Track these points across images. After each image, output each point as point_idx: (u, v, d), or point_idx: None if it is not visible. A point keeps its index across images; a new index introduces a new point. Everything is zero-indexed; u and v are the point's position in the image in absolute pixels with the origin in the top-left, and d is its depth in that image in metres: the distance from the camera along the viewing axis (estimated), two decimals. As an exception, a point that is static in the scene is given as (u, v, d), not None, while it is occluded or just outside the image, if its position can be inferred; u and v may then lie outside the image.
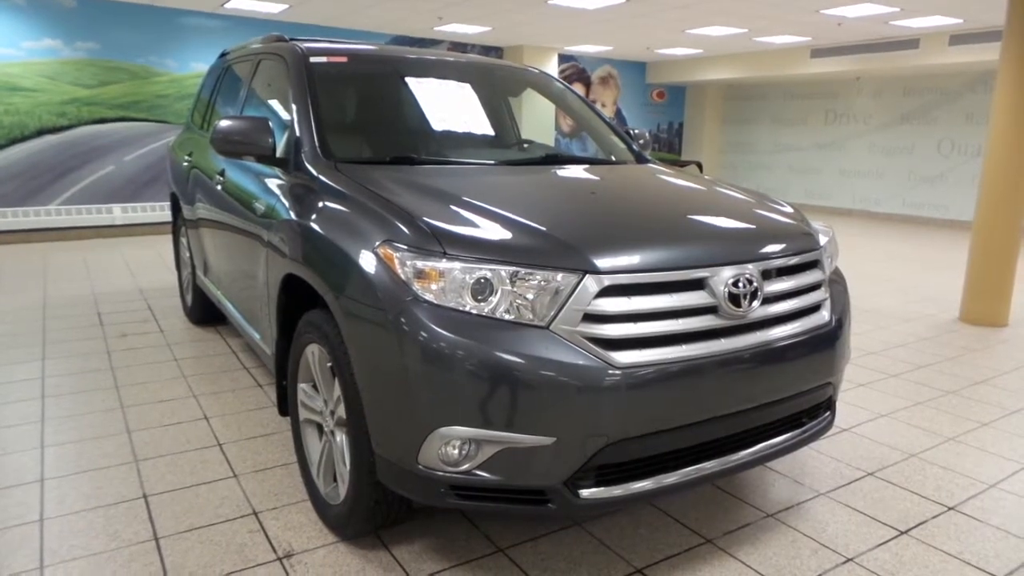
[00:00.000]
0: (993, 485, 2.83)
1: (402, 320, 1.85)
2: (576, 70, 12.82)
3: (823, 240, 2.50)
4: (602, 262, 1.88)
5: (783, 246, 2.23)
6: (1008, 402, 3.73)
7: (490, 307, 1.84)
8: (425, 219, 1.99)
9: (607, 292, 1.87)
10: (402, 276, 1.88)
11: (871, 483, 2.83)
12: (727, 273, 2.01)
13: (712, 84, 14.05)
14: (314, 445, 2.48)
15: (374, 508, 2.14)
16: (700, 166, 14.29)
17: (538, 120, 11.21)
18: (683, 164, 14.37)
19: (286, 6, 8.10)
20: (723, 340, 2.01)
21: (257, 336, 3.06)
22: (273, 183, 2.77)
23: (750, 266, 2.08)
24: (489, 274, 1.85)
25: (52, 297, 5.51)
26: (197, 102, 4.76)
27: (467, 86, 3.35)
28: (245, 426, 3.21)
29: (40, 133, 7.82)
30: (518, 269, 1.86)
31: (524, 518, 2.47)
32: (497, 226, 2.00)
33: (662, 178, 2.87)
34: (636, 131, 3.72)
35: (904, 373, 4.17)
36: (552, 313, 1.84)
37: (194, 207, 4.11)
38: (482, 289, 1.85)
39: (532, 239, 1.95)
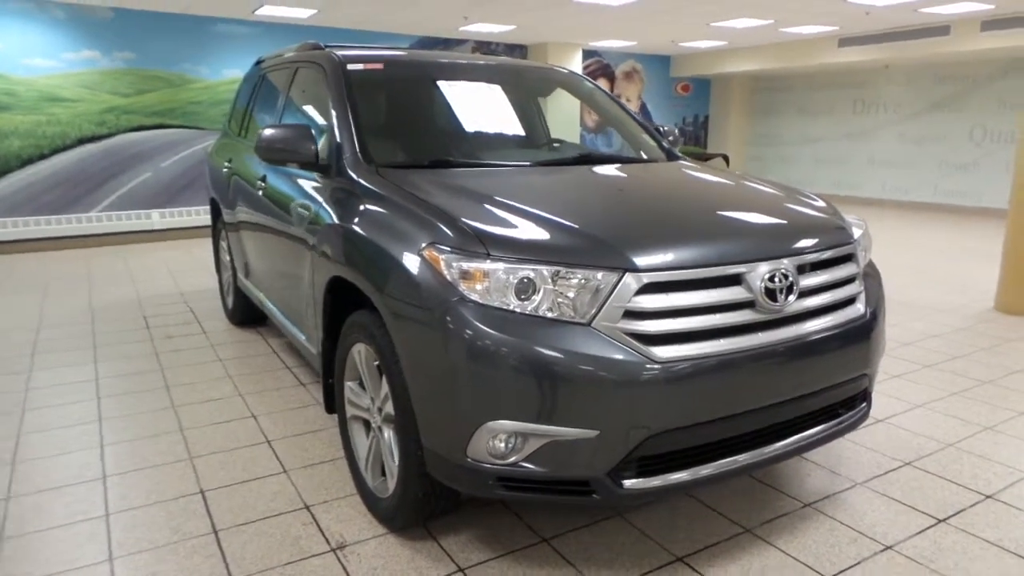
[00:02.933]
0: (1032, 474, 2.84)
1: (449, 319, 1.93)
2: (600, 65, 12.82)
3: (857, 233, 2.53)
4: (641, 260, 1.94)
5: (817, 240, 2.26)
6: (1047, 392, 3.71)
7: (533, 305, 1.91)
8: (467, 221, 2.07)
9: (646, 289, 1.93)
10: (448, 277, 1.96)
11: (908, 473, 2.85)
12: (763, 268, 2.06)
13: (737, 76, 13.94)
14: (361, 441, 2.58)
15: (423, 500, 2.23)
16: (727, 159, 14.21)
17: (564, 117, 11.27)
18: (709, 157, 14.29)
19: (315, 11, 8.24)
20: (760, 334, 2.06)
21: (303, 336, 3.17)
22: (316, 188, 2.87)
23: (785, 261, 2.13)
24: (532, 274, 1.92)
25: (98, 301, 5.71)
26: (234, 110, 4.90)
27: (499, 88, 3.43)
28: (291, 423, 3.32)
29: (80, 142, 8.07)
30: (559, 268, 1.93)
31: (567, 508, 2.54)
32: (537, 227, 2.07)
33: (694, 175, 2.92)
34: (665, 128, 3.76)
35: (939, 363, 4.16)
36: (593, 310, 1.91)
37: (235, 212, 4.24)
38: (525, 288, 1.92)
39: (572, 239, 2.01)
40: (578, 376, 1.85)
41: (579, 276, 1.92)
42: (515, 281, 1.92)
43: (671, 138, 3.72)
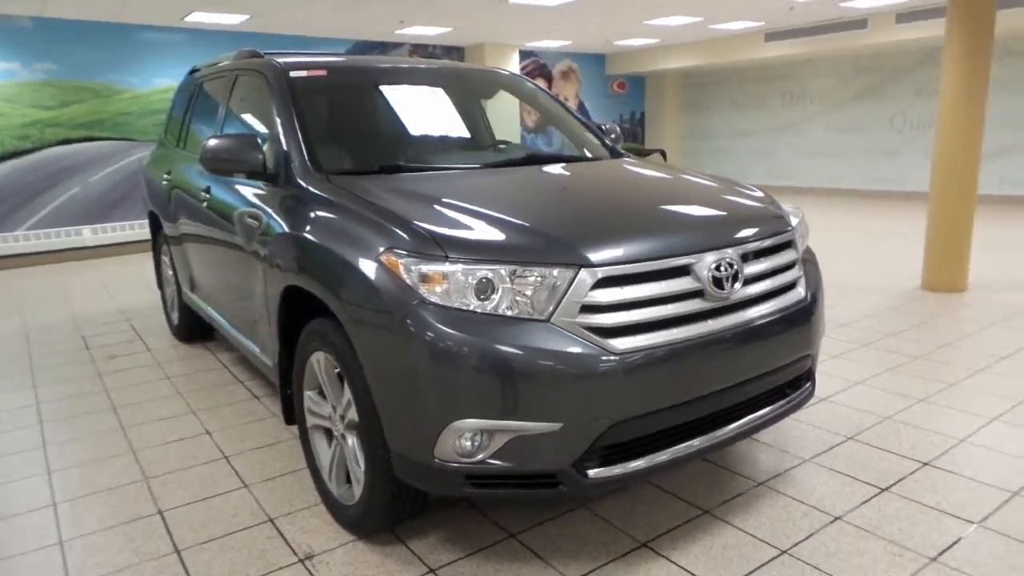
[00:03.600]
0: (963, 440, 3.03)
1: (410, 322, 1.95)
2: (537, 65, 12.95)
3: (794, 221, 2.66)
4: (595, 256, 2.00)
5: (758, 229, 2.37)
6: (972, 362, 3.96)
7: (493, 305, 1.95)
8: (423, 225, 2.09)
9: (601, 284, 1.99)
10: (407, 281, 1.98)
11: (851, 447, 3.00)
12: (710, 258, 2.15)
13: (670, 72, 14.29)
14: (324, 450, 2.57)
15: (391, 504, 2.24)
16: (664, 154, 14.52)
17: (505, 118, 11.33)
18: (647, 153, 14.58)
19: (247, 17, 8.07)
20: (710, 321, 2.15)
21: (256, 348, 3.13)
22: (264, 198, 2.84)
23: (730, 250, 2.22)
24: (490, 274, 1.96)
25: (32, 324, 5.47)
26: (170, 120, 4.77)
27: (443, 91, 3.45)
28: (248, 438, 3.27)
29: (3, 158, 7.69)
30: (517, 267, 1.97)
31: (533, 503, 2.59)
32: (492, 227, 2.11)
33: (638, 171, 3.01)
34: (607, 126, 3.85)
35: (874, 342, 4.38)
36: (551, 307, 1.96)
37: (177, 225, 4.14)
38: (484, 288, 1.96)
39: (527, 238, 2.06)
40: (540, 371, 1.90)
41: (536, 274, 1.96)
42: (474, 282, 1.96)
43: (613, 136, 3.80)
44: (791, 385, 2.51)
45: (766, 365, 2.31)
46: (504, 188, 2.56)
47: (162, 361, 4.44)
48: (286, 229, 2.58)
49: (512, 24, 9.41)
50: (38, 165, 7.96)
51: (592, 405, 1.94)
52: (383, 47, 10.60)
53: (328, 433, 2.54)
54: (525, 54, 12.60)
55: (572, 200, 2.48)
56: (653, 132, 15.06)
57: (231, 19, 8.16)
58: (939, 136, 5.47)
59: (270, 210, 2.76)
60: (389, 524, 2.37)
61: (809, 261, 2.70)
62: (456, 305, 1.95)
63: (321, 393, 2.50)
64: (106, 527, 2.56)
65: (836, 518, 2.47)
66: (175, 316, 4.80)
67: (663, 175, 2.93)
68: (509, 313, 1.95)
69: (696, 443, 2.18)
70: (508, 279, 1.96)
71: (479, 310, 1.95)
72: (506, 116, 11.34)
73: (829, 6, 8.85)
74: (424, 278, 1.97)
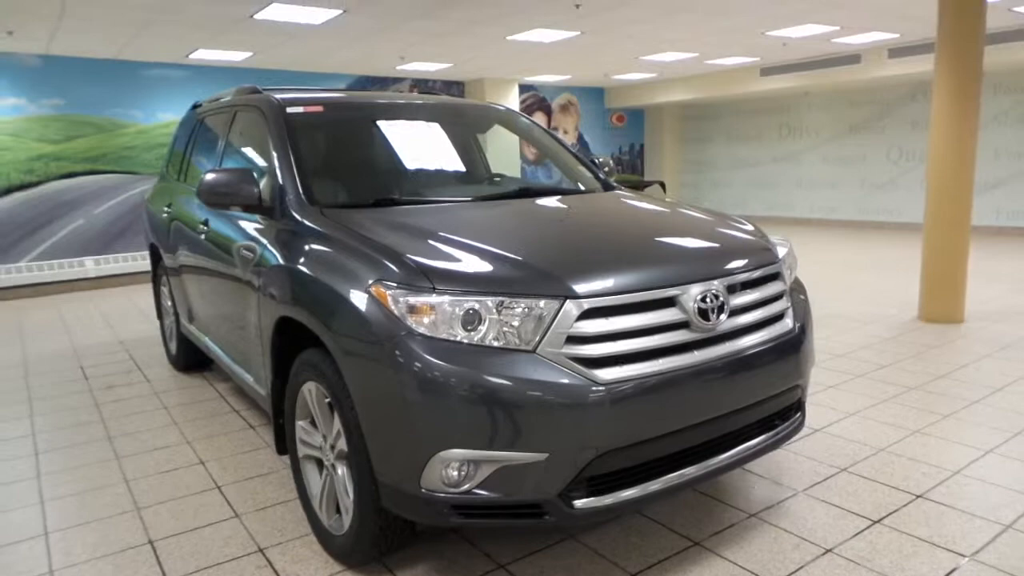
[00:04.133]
0: (957, 472, 3.02)
1: (398, 353, 1.98)
2: (536, 99, 13.15)
3: (782, 253, 2.70)
4: (580, 287, 2.03)
5: (745, 261, 2.41)
6: (968, 393, 3.96)
7: (479, 336, 1.98)
8: (413, 257, 2.13)
9: (587, 315, 2.02)
10: (395, 312, 2.02)
11: (844, 478, 3.00)
12: (695, 290, 2.18)
13: (669, 105, 14.49)
14: (315, 480, 2.57)
15: (379, 534, 2.24)
16: (663, 186, 14.66)
17: (504, 150, 11.50)
18: (647, 184, 14.73)
19: (250, 54, 8.25)
20: (696, 352, 2.17)
21: (250, 378, 3.15)
22: (260, 231, 2.89)
23: (716, 282, 2.25)
24: (477, 305, 1.99)
25: (32, 354, 5.50)
26: (171, 154, 4.86)
27: (438, 126, 3.52)
28: (242, 467, 3.28)
29: (8, 191, 7.81)
30: (503, 298, 2.00)
31: (521, 533, 2.58)
32: (480, 259, 2.15)
33: (628, 203, 3.06)
34: (600, 159, 3.92)
35: (869, 373, 4.38)
36: (537, 338, 1.98)
37: (176, 256, 4.20)
38: (471, 319, 1.99)
39: (513, 270, 2.10)
40: (525, 401, 1.92)
41: (522, 305, 2.00)
42: (461, 313, 1.99)
43: (607, 168, 3.87)
44: (780, 416, 2.52)
45: (754, 396, 2.32)
46: (494, 221, 2.61)
47: (159, 391, 4.46)
48: (280, 261, 2.62)
49: (511, 59, 9.60)
50: (43, 198, 8.07)
51: (578, 435, 1.96)
52: (384, 82, 10.80)
53: (319, 463, 2.54)
54: (524, 88, 12.81)
55: (560, 232, 2.52)
56: (652, 164, 15.22)
57: (234, 56, 8.34)
58: (931, 169, 5.54)
59: (265, 242, 2.81)
60: (378, 554, 2.37)
61: (797, 292, 2.73)
62: (443, 336, 1.98)
63: (313, 423, 2.52)
64: (97, 556, 2.56)
65: (827, 550, 2.46)
66: (173, 346, 4.83)
67: (652, 208, 2.98)
68: (496, 344, 1.98)
69: (684, 474, 2.18)
70: (495, 310, 1.99)
71: (466, 341, 1.97)
72: (506, 149, 11.53)
73: (822, 42, 9.02)
74: (412, 309, 2.01)
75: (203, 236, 3.59)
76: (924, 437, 3.39)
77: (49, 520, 2.84)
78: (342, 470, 2.35)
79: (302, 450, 2.61)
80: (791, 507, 2.78)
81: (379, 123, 3.36)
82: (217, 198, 2.79)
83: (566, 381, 1.95)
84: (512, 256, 2.16)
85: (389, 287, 2.06)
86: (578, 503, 2.02)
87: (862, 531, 2.58)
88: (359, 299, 2.12)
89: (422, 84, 11.44)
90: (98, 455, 3.48)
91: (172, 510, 2.90)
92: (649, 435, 2.07)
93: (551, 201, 3.02)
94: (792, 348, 2.45)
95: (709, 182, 14.88)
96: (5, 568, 2.50)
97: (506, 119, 3.89)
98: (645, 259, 2.23)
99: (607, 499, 2.05)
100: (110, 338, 5.97)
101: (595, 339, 2.02)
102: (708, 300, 2.19)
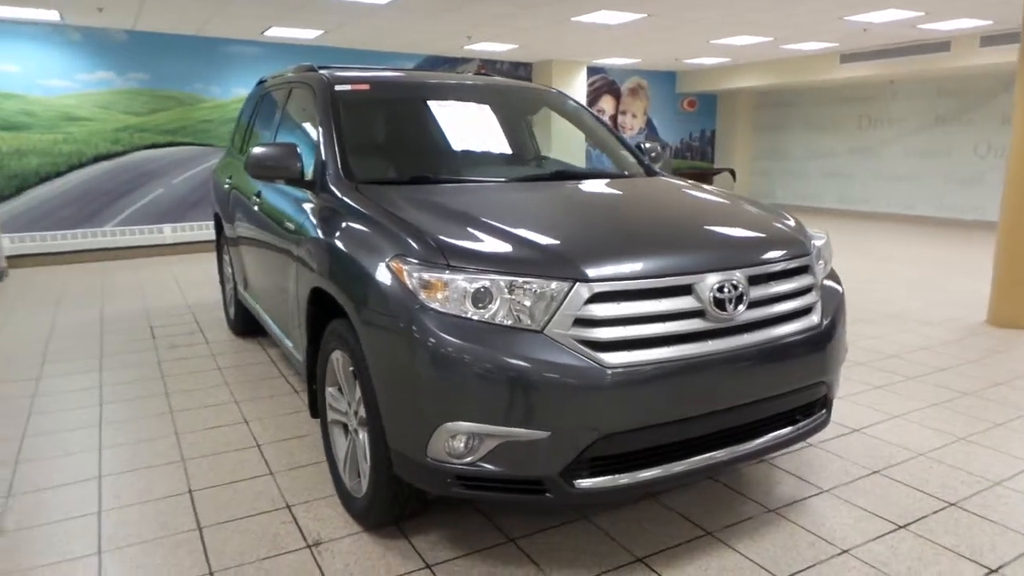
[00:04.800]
0: (999, 483, 2.89)
1: (410, 326, 2.05)
2: (605, 82, 12.99)
3: (818, 244, 2.63)
4: (592, 271, 2.05)
5: (772, 252, 2.36)
6: (1025, 403, 3.76)
7: (490, 314, 2.03)
8: (432, 234, 2.19)
9: (597, 298, 2.04)
10: (410, 286, 2.09)
11: (876, 480, 2.91)
12: (712, 279, 2.16)
13: (743, 92, 14.04)
14: (341, 443, 2.70)
15: (392, 499, 2.34)
16: (733, 173, 14.29)
17: (571, 134, 11.47)
18: (716, 172, 14.38)
19: (321, 31, 8.48)
20: (710, 342, 2.16)
21: (290, 344, 3.31)
22: (302, 203, 3.01)
23: (737, 272, 2.22)
24: (488, 283, 2.04)
25: (108, 313, 5.90)
26: (237, 127, 5.09)
27: (483, 107, 3.56)
28: (281, 428, 3.45)
29: (96, 160, 8.33)
30: (515, 279, 2.04)
31: (527, 509, 2.63)
32: (498, 239, 2.19)
33: (663, 190, 3.03)
34: (648, 144, 3.87)
35: (922, 376, 4.20)
36: (546, 318, 2.02)
37: (234, 226, 4.41)
38: (482, 297, 2.04)
39: (528, 251, 2.13)
40: (528, 380, 1.96)
41: (533, 286, 2.03)
42: (472, 290, 2.04)
43: (653, 154, 3.83)
44: (803, 412, 2.47)
45: (772, 390, 2.29)
46: (520, 202, 2.64)
47: (216, 353, 4.72)
48: (315, 234, 2.74)
49: (577, 41, 9.51)
50: (127, 167, 8.57)
51: (580, 416, 1.98)
52: (452, 62, 10.89)
53: (345, 428, 2.66)
54: (594, 70, 12.67)
55: (583, 216, 2.53)
56: (723, 151, 14.82)
57: (306, 34, 8.59)
58: (1012, 161, 5.21)
59: (304, 215, 2.93)
60: (392, 519, 2.47)
61: (831, 286, 2.65)
62: (454, 312, 2.03)
63: (340, 390, 2.64)
64: (141, 501, 2.76)
65: (843, 551, 2.41)
66: (232, 311, 5.09)
67: (687, 195, 2.94)
68: (505, 322, 2.03)
69: (692, 463, 2.18)
70: (506, 289, 2.04)
71: (476, 318, 2.03)
72: (573, 133, 11.46)
73: (907, 28, 8.54)
74: (426, 284, 2.07)
75: (256, 208, 3.77)
76: (969, 445, 3.25)
77: (104, 465, 3.08)
78: (363, 435, 2.45)
79: (330, 415, 2.73)
80: (814, 505, 2.72)
81: (423, 103, 3.43)
82: (263, 171, 2.92)
83: (571, 362, 1.97)
84: (529, 237, 2.19)
85: (406, 262, 2.13)
86: (579, 483, 2.05)
87: (884, 535, 2.51)
88: (379, 273, 2.20)
89: (490, 65, 11.47)
90: (155, 409, 3.73)
91: (213, 464, 3.09)
92: (655, 421, 2.08)
93: (585, 185, 3.02)
94: (817, 344, 2.40)
95: (781, 171, 14.39)
96: (61, 505, 2.73)
97: (553, 101, 3.89)
98: (662, 246, 2.22)
99: (609, 481, 2.08)
100: (180, 301, 6.33)
101: (604, 323, 2.04)
102: (726, 290, 2.17)
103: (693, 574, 2.29)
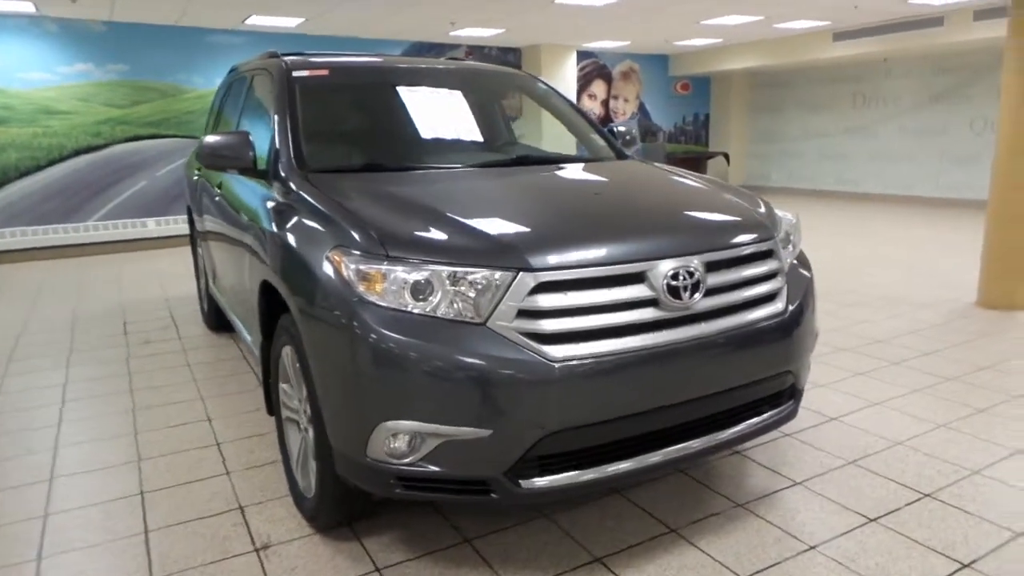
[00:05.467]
0: (977, 471, 2.79)
1: (348, 320, 1.95)
2: (596, 66, 12.81)
3: (785, 227, 2.53)
4: (536, 259, 1.95)
5: (732, 237, 2.26)
6: (1011, 386, 3.65)
7: (431, 306, 1.93)
8: (373, 223, 2.09)
9: (542, 288, 1.94)
10: (348, 278, 1.99)
11: (850, 472, 2.82)
12: (665, 266, 2.06)
13: (737, 73, 13.85)
14: (294, 441, 2.61)
15: (340, 501, 2.25)
16: (727, 157, 14.13)
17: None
18: (709, 156, 14.22)
19: (302, 19, 8.33)
20: (666, 332, 2.06)
21: (250, 339, 3.22)
22: (255, 194, 2.91)
23: (694, 259, 2.12)
24: (429, 274, 1.94)
25: (84, 309, 5.82)
26: (209, 116, 4.97)
27: (447, 92, 3.44)
28: (244, 426, 3.37)
29: (77, 153, 8.23)
30: (457, 269, 1.94)
31: (485, 511, 2.54)
32: (441, 228, 2.08)
33: (628, 174, 2.92)
34: (622, 128, 3.76)
35: (907, 360, 4.10)
36: (489, 310, 1.92)
37: (202, 219, 4.31)
38: (423, 289, 1.94)
39: (471, 239, 2.03)
40: (468, 375, 1.87)
41: (475, 276, 1.93)
42: (412, 282, 1.94)
43: (628, 137, 3.72)
44: (768, 403, 2.38)
45: (733, 381, 2.20)
46: (472, 190, 2.54)
47: (188, 348, 4.63)
48: (264, 225, 2.64)
49: (565, 25, 9.34)
50: (109, 160, 8.46)
51: (524, 413, 1.89)
52: (439, 49, 10.73)
53: (298, 425, 2.57)
54: (584, 55, 12.48)
55: (533, 202, 2.42)
56: (718, 135, 14.64)
57: (287, 22, 8.45)
58: (1000, 139, 5.07)
59: (256, 205, 2.83)
60: (342, 520, 2.39)
61: (799, 271, 2.55)
62: (393, 304, 1.93)
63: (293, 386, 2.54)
64: (90, 504, 2.68)
65: (810, 547, 2.32)
66: (205, 306, 5.00)
67: (651, 179, 2.83)
68: (447, 315, 1.93)
69: (647, 458, 2.09)
70: (447, 280, 1.94)
71: (416, 311, 1.93)
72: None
73: (898, 3, 8.36)
74: (364, 276, 1.97)
75: (218, 199, 3.66)
76: (949, 432, 3.15)
77: (58, 466, 2.99)
78: (312, 433, 2.36)
79: (284, 412, 2.64)
80: (784, 499, 2.63)
81: (384, 89, 3.32)
82: (214, 160, 2.82)
83: (513, 356, 1.88)
84: (472, 225, 2.09)
85: (346, 253, 2.03)
86: (526, 482, 1.96)
87: (854, 529, 2.42)
88: (319, 264, 2.10)
89: (477, 51, 11.31)
90: (118, 406, 3.65)
91: (170, 463, 3.01)
92: (606, 416, 1.98)
93: (546, 170, 2.91)
94: (781, 332, 2.29)
95: (777, 153, 14.21)
96: (7, 509, 2.65)
97: (525, 85, 3.78)
98: (613, 232, 2.11)
99: (559, 480, 1.99)
100: (158, 296, 6.25)
101: (550, 314, 1.94)
102: (680, 277, 2.07)
103: (652, 573, 2.20)
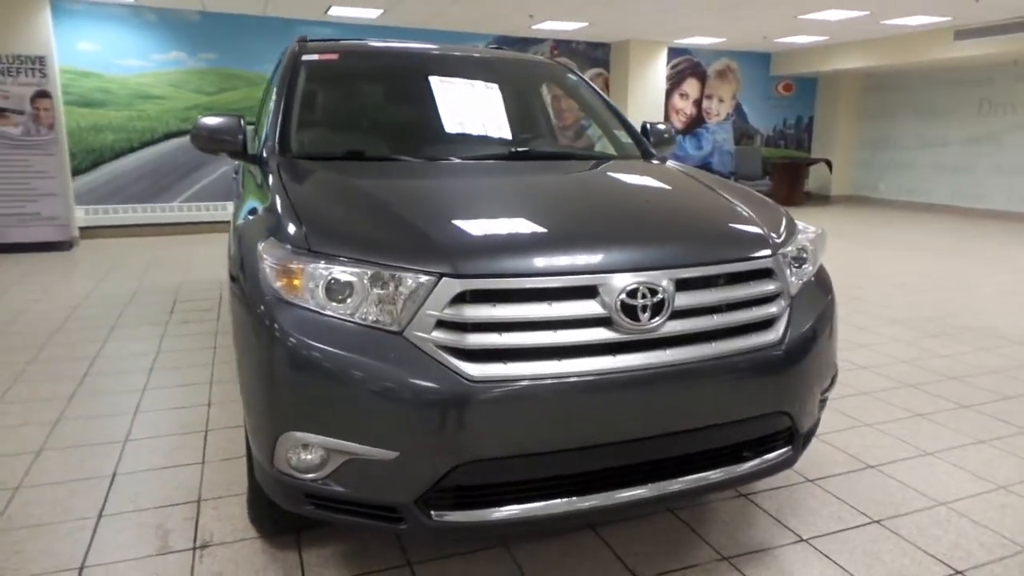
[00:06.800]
0: (1031, 550, 2.31)
1: (260, 318, 1.80)
2: (690, 64, 12.22)
3: (799, 242, 2.17)
4: (463, 264, 1.72)
5: (712, 252, 1.94)
6: (1106, 449, 3.05)
7: (346, 309, 1.75)
8: (307, 216, 1.93)
9: (468, 297, 1.71)
10: (267, 273, 1.84)
11: (871, 532, 2.40)
12: (621, 281, 1.77)
13: (846, 74, 12.83)
14: (252, 438, 2.51)
15: (269, 507, 2.12)
16: (830, 164, 13.14)
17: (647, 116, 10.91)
18: (811, 162, 13.28)
19: (381, 11, 8.38)
20: (620, 357, 1.78)
21: (241, 329, 3.16)
22: (245, 177, 2.85)
23: (659, 273, 1.82)
24: (348, 273, 1.75)
25: (146, 285, 6.06)
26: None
27: (459, 82, 3.25)
28: (238, 415, 3.32)
29: (167, 137, 8.66)
30: (380, 270, 1.75)
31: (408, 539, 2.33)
32: (376, 224, 1.90)
33: (632, 175, 2.62)
34: (663, 126, 3.43)
35: (981, 404, 3.53)
36: (407, 318, 1.71)
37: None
38: (341, 290, 1.76)
39: (402, 238, 1.83)
40: (374, 390, 1.67)
41: (397, 278, 1.73)
42: (329, 281, 1.76)
43: (667, 135, 3.38)
44: (753, 447, 2.03)
45: (703, 420, 1.88)
46: (439, 185, 2.33)
47: (222, 331, 4.69)
48: (239, 210, 2.55)
49: (652, 19, 8.92)
50: (196, 144, 8.84)
51: (434, 437, 1.67)
52: (525, 43, 10.55)
53: (255, 423, 2.47)
54: (678, 51, 11.94)
55: (494, 201, 2.18)
56: (822, 140, 13.64)
57: (368, 13, 8.52)
58: None
59: (243, 189, 2.76)
60: (273, 529, 2.27)
61: (815, 292, 2.18)
62: (306, 305, 1.76)
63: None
64: (61, 481, 2.69)
65: (794, 620, 1.97)
66: (242, 290, 5.06)
67: (655, 182, 2.52)
68: (363, 320, 1.74)
69: (591, 501, 1.81)
70: (367, 282, 1.75)
71: (330, 313, 1.75)
72: (649, 113, 10.90)
73: (1032, -3, 7.40)
74: (282, 272, 1.81)
75: (235, 184, 3.65)
76: (1009, 496, 2.64)
77: (51, 440, 3.05)
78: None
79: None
80: (780, 557, 2.27)
81: (391, 75, 3.17)
82: (205, 143, 2.75)
83: (425, 372, 1.66)
84: (410, 223, 1.89)
85: (272, 245, 1.88)
86: (437, 514, 1.74)
87: (854, 605, 2.04)
88: (249, 256, 1.97)
89: (564, 45, 11.05)
90: (129, 384, 3.71)
91: (152, 446, 2.99)
92: (537, 449, 1.73)
93: (536, 167, 2.67)
94: (774, 366, 1.95)
95: (885, 163, 13.07)
96: (-15, 478, 2.71)
97: (554, 76, 3.54)
98: (562, 238, 1.85)
99: (477, 515, 1.75)
100: (216, 277, 6.43)
101: (476, 327, 1.71)
102: (640, 295, 1.78)
103: (595, 629, 1.93)
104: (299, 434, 1.74)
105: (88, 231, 8.34)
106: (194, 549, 2.28)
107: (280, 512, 2.14)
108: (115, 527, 2.39)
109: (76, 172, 8.29)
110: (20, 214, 7.51)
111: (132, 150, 8.55)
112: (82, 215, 8.28)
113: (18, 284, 6.06)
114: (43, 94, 7.45)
